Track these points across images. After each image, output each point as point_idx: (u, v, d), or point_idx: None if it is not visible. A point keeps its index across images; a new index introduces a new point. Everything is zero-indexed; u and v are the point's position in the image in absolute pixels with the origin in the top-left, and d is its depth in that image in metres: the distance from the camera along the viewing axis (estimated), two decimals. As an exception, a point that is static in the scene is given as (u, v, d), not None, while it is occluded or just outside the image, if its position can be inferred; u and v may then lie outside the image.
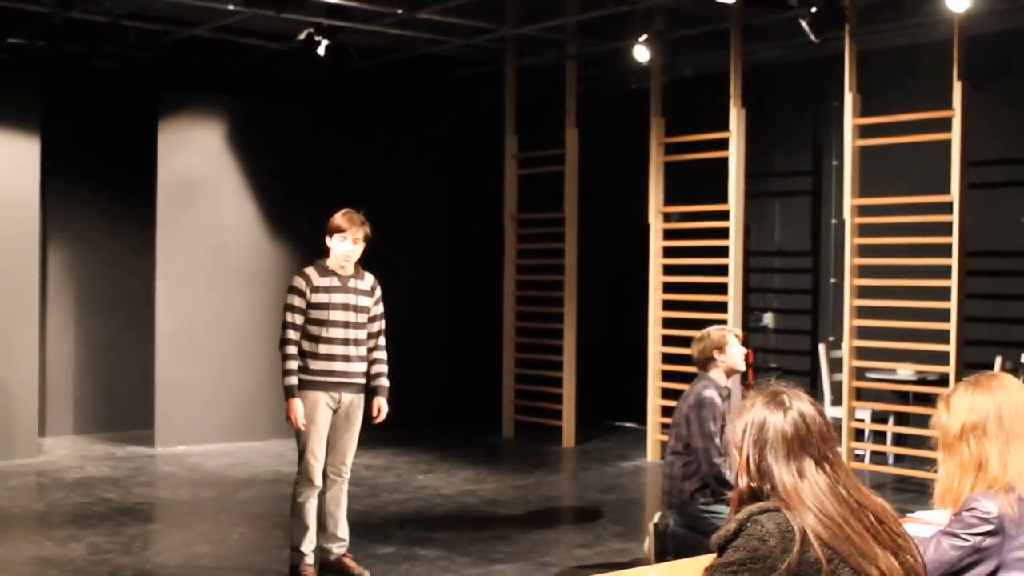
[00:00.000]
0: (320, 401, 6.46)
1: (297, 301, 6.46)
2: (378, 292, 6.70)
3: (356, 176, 11.78)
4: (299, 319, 6.46)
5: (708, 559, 2.66)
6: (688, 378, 6.84)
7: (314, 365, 6.46)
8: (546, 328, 11.88)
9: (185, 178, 11.23)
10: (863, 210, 9.72)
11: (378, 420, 6.70)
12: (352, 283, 6.56)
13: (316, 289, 6.47)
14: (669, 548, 6.34)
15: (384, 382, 6.71)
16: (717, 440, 6.11)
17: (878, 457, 10.29)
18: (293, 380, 6.42)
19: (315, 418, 6.45)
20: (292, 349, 6.45)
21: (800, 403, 2.68)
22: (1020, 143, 10.16)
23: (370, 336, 6.65)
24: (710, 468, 6.10)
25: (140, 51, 10.96)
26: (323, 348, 6.46)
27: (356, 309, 6.55)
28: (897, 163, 10.21)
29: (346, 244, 6.49)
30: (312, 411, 6.44)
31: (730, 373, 6.34)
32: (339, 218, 6.51)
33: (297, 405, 6.40)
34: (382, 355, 6.73)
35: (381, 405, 6.68)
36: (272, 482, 9.59)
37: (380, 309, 6.72)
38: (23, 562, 7.10)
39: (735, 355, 6.30)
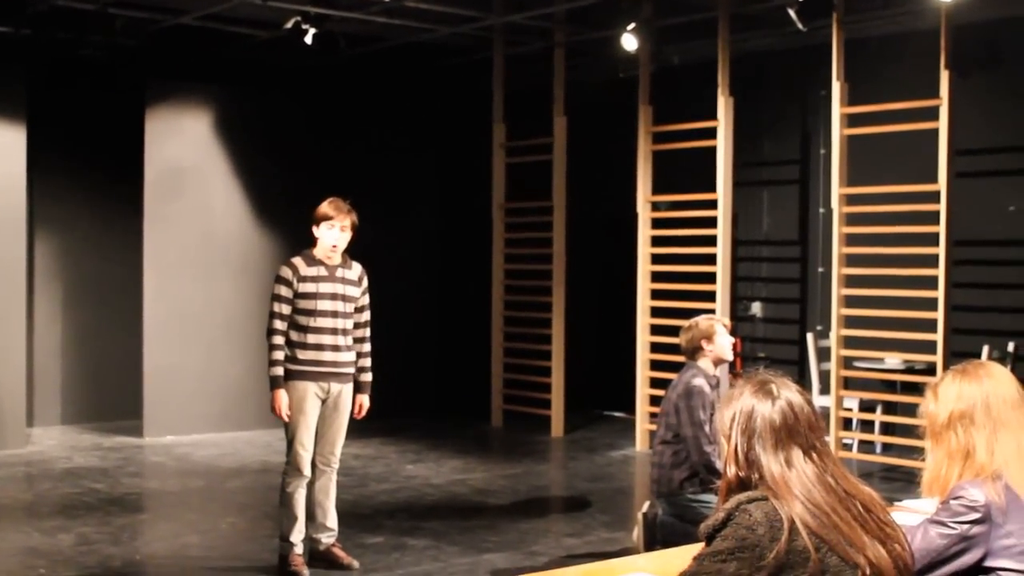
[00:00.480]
0: (309, 391, 6.45)
1: (284, 291, 6.44)
2: (365, 282, 6.69)
3: (344, 165, 11.76)
4: (286, 309, 6.44)
5: (697, 548, 2.67)
6: (677, 367, 6.85)
7: (303, 355, 6.44)
8: (535, 317, 11.88)
9: (173, 167, 11.21)
10: (851, 199, 9.74)
11: (359, 416, 6.70)
12: (340, 272, 6.55)
13: (304, 279, 6.45)
14: (658, 537, 6.36)
15: (367, 377, 6.70)
16: (707, 428, 6.12)
17: (866, 446, 10.32)
18: (278, 371, 6.41)
19: (304, 408, 6.44)
20: (278, 340, 6.43)
21: (788, 392, 2.68)
22: (1007, 132, 10.18)
23: (357, 326, 6.64)
24: (700, 457, 6.12)
25: (127, 39, 10.91)
26: (312, 338, 6.45)
27: (344, 299, 6.54)
28: (885, 152, 10.23)
29: (334, 232, 6.47)
30: (301, 401, 6.43)
31: (718, 362, 6.34)
32: (326, 206, 6.49)
33: (282, 396, 6.39)
34: (367, 347, 6.72)
35: (363, 402, 6.68)
36: (261, 472, 9.59)
37: (367, 299, 6.71)
38: (11, 552, 7.09)
39: (723, 344, 6.31)
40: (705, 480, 6.17)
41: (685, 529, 6.17)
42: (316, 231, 6.51)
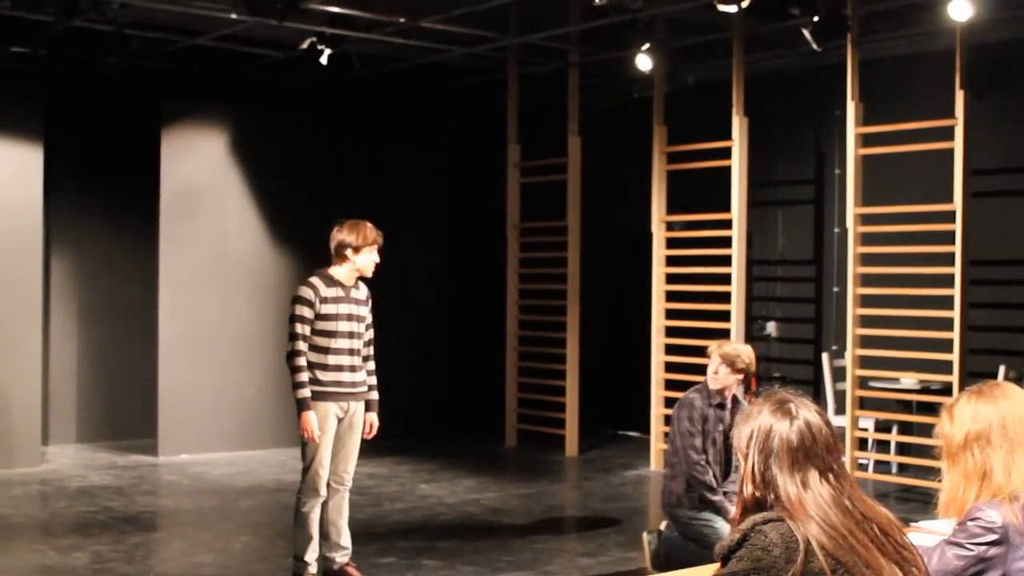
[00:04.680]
0: (330, 412, 6.46)
1: (306, 312, 6.43)
2: (370, 301, 6.72)
3: (358, 184, 11.80)
4: (307, 330, 6.44)
5: (705, 568, 2.65)
6: (691, 387, 6.87)
7: (324, 376, 6.44)
8: (549, 337, 11.87)
9: (188, 186, 11.25)
10: (866, 219, 9.72)
11: (370, 436, 6.70)
12: (353, 293, 6.58)
13: (324, 300, 6.45)
14: (661, 552, 6.44)
15: (375, 395, 6.71)
16: (697, 441, 6.20)
17: (882, 466, 10.28)
18: (306, 392, 6.39)
19: (325, 428, 6.45)
20: (302, 361, 6.41)
21: (807, 412, 2.66)
22: (1022, 151, 10.15)
23: (364, 344, 6.67)
24: (688, 467, 6.22)
25: (143, 60, 10.97)
26: (332, 359, 6.46)
27: (357, 319, 6.57)
28: (900, 172, 10.22)
29: (374, 256, 6.52)
30: (322, 421, 6.43)
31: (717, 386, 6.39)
32: (371, 232, 6.48)
33: (311, 418, 6.38)
34: (372, 365, 6.75)
35: (373, 421, 6.69)
36: (275, 491, 9.59)
37: (371, 317, 6.74)
38: (26, 571, 7.10)
39: (710, 373, 6.37)
40: (702, 497, 6.23)
41: (688, 546, 6.24)
42: (355, 256, 6.47)
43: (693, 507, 6.28)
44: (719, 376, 6.34)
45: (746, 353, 6.44)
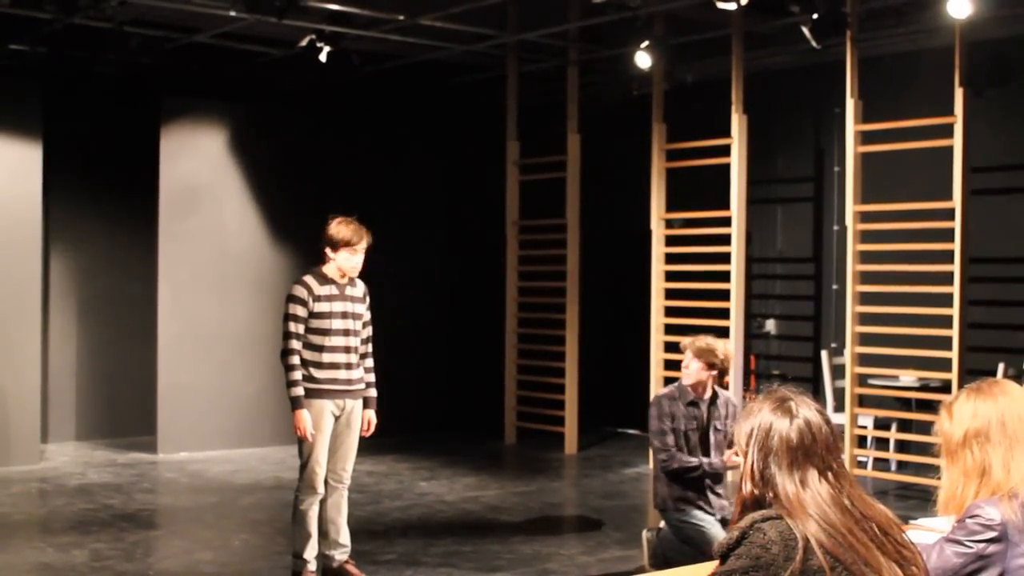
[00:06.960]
0: (325, 409, 6.46)
1: (300, 311, 6.44)
2: (368, 298, 6.71)
3: (357, 182, 11.79)
4: (301, 329, 6.43)
5: (701, 566, 2.65)
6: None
7: (319, 374, 6.44)
8: (548, 334, 11.87)
9: (187, 184, 11.24)
10: (865, 216, 9.72)
11: (368, 434, 6.70)
12: (348, 291, 6.57)
13: (318, 299, 6.45)
14: (658, 552, 6.46)
15: (373, 392, 6.71)
16: (668, 439, 6.22)
17: (881, 464, 10.28)
18: (299, 391, 6.40)
19: (321, 426, 6.45)
20: (296, 359, 6.42)
21: (807, 411, 2.66)
22: (1022, 149, 10.16)
23: (361, 342, 6.66)
24: (658, 465, 6.28)
25: (142, 57, 10.96)
26: (327, 357, 6.45)
27: (353, 316, 6.56)
28: (899, 169, 10.22)
29: (356, 257, 6.49)
30: (318, 419, 6.43)
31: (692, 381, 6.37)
32: (347, 231, 6.44)
33: (305, 416, 6.38)
34: (371, 362, 6.74)
35: (371, 419, 6.69)
36: (274, 488, 9.59)
37: (369, 315, 6.73)
38: (25, 569, 7.10)
39: (686, 368, 6.33)
40: (685, 480, 6.25)
41: (680, 547, 6.26)
42: (334, 254, 6.47)
43: (679, 508, 6.27)
44: (690, 371, 6.30)
45: (721, 348, 6.36)
